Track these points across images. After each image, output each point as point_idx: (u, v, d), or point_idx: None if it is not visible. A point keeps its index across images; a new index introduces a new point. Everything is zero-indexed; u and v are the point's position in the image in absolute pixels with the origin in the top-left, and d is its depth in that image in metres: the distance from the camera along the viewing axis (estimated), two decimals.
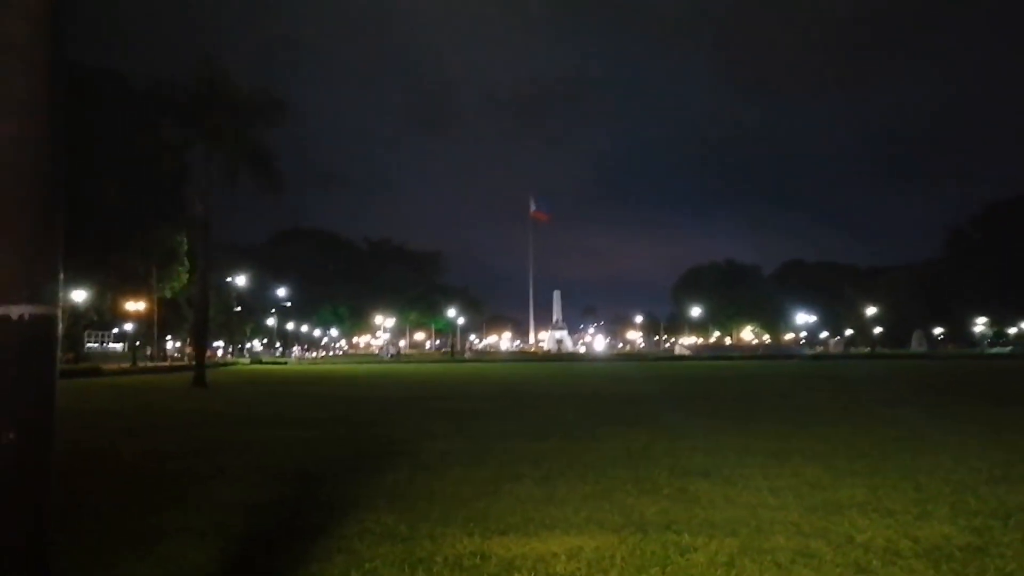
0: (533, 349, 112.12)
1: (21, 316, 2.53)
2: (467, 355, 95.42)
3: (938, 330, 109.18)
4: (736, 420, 12.45)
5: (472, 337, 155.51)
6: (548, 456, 8.40)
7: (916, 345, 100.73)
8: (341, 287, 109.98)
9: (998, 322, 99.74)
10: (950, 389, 22.10)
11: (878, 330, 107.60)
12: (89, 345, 65.83)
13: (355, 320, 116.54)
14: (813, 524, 5.19)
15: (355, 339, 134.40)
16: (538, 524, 5.28)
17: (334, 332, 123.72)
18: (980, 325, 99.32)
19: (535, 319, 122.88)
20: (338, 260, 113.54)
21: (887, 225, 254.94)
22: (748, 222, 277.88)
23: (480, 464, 7.89)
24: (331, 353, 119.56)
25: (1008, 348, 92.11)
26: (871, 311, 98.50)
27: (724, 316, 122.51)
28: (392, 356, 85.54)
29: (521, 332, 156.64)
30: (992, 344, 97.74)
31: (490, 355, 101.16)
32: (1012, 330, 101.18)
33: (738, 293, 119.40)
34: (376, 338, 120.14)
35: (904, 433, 10.29)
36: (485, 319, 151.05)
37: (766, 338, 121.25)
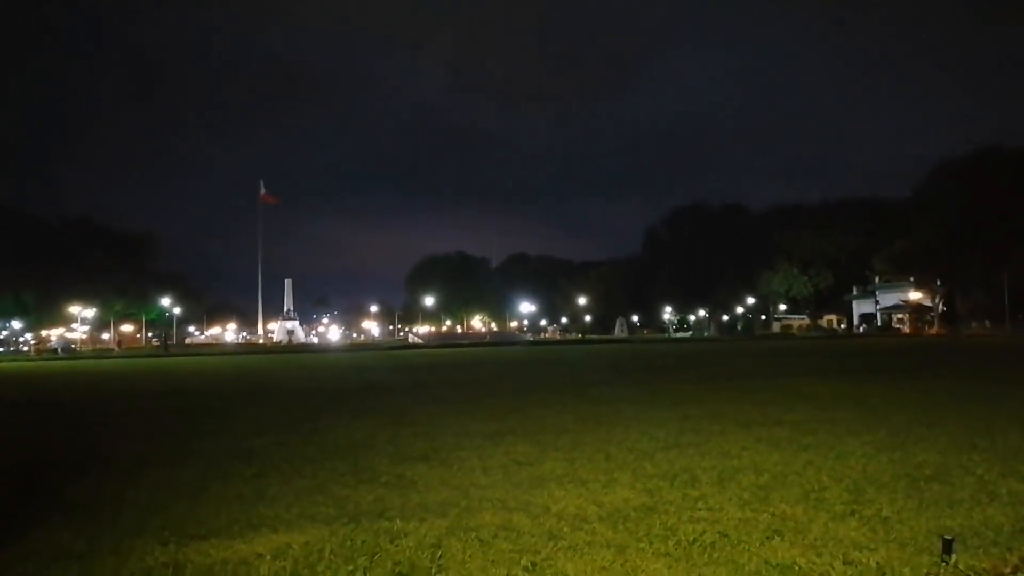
0: (262, 340, 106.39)
1: None
2: (180, 347, 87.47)
3: (635, 317, 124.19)
4: (458, 404, 12.91)
5: (191, 328, 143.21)
6: (263, 452, 7.97)
7: (619, 331, 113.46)
8: (27, 272, 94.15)
9: (681, 310, 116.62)
10: (643, 368, 25.17)
11: (588, 318, 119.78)
12: None
13: (45, 310, 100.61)
14: (517, 499, 5.54)
15: (46, 332, 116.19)
16: (244, 525, 4.97)
17: (16, 324, 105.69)
18: (667, 313, 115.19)
19: (264, 310, 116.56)
20: (22, 240, 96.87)
21: (598, 224, 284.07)
22: (480, 216, 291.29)
23: (184, 466, 7.24)
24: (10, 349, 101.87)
25: (688, 332, 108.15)
26: (583, 301, 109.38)
27: (456, 305, 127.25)
28: (64, 350, 74.47)
29: (249, 323, 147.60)
30: (677, 329, 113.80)
31: (212, 347, 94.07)
32: (692, 317, 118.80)
33: (469, 284, 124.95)
34: (72, 331, 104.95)
35: (605, 410, 11.46)
36: (206, 309, 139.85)
37: (493, 326, 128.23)
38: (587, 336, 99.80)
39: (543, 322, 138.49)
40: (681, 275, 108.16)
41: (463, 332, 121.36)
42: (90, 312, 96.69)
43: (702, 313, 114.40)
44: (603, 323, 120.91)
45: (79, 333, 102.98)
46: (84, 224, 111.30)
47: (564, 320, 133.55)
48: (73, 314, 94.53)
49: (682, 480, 6.10)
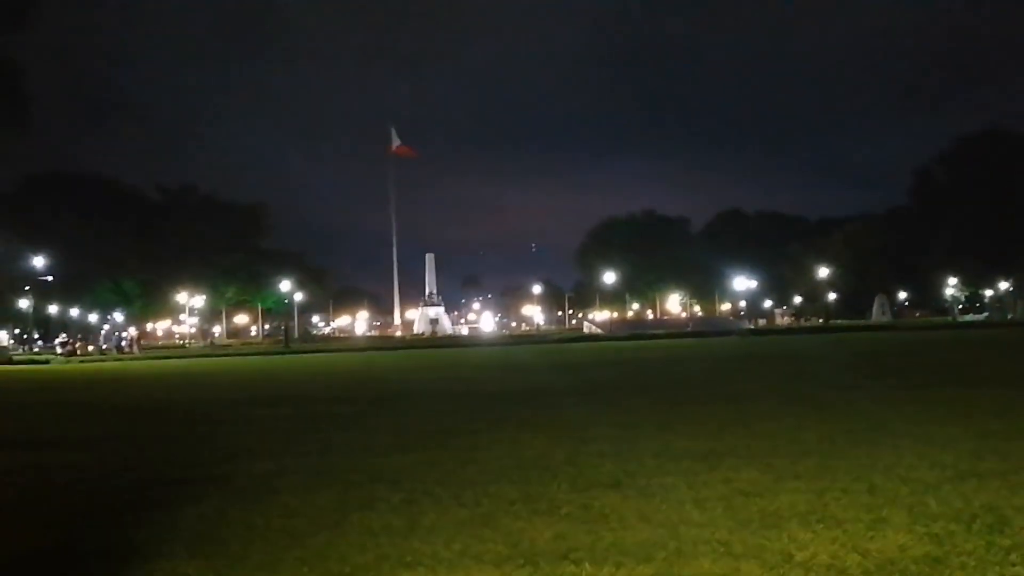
0: (399, 332, 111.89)
1: None
2: (304, 342, 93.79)
3: (902, 295, 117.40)
4: (657, 416, 12.88)
5: (316, 319, 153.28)
6: (412, 473, 8.41)
7: (878, 314, 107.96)
8: (126, 254, 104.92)
9: (971, 283, 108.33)
10: (916, 367, 23.80)
11: (832, 296, 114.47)
12: None
13: (148, 299, 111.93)
14: (746, 542, 5.46)
15: (150, 325, 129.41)
16: (395, 562, 5.29)
17: (119, 317, 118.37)
18: (951, 288, 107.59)
19: (401, 293, 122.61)
20: (120, 217, 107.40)
21: (843, 167, 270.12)
22: (671, 165, 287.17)
23: (318, 488, 7.80)
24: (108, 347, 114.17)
25: (983, 314, 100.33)
26: (823, 272, 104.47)
27: (644, 283, 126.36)
28: (121, 348, 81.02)
29: (383, 310, 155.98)
30: (965, 309, 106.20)
31: (341, 341, 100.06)
32: (988, 293, 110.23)
33: (661, 254, 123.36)
34: (180, 323, 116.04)
35: (859, 424, 10.99)
36: (332, 294, 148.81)
37: (697, 310, 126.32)
38: (831, 321, 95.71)
39: (767, 303, 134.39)
40: (970, 233, 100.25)
41: (655, 318, 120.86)
42: (199, 300, 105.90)
43: (1004, 287, 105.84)
44: (854, 303, 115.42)
45: (187, 326, 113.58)
46: (187, 194, 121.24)
47: (797, 300, 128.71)
48: (180, 304, 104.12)
49: (984, 523, 5.74)
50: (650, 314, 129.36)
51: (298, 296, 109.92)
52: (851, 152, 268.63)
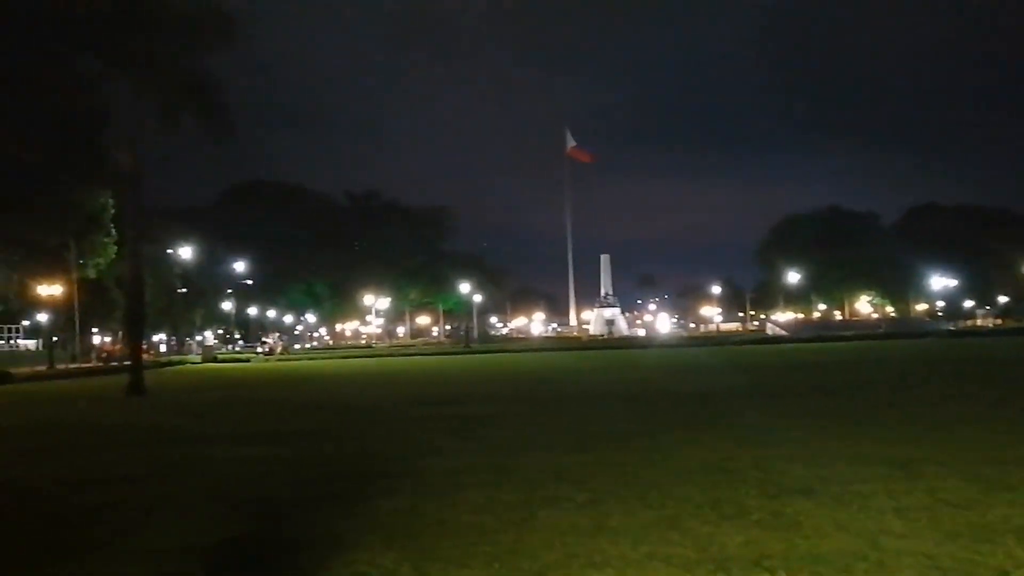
0: (575, 333, 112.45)
1: None
2: (483, 342, 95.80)
3: None
4: (849, 420, 12.39)
5: (493, 319, 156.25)
6: (595, 473, 8.43)
7: None
8: (317, 258, 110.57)
9: None
10: None
11: None
12: None
13: (337, 301, 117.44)
14: (955, 556, 5.15)
15: (339, 326, 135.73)
16: (584, 562, 5.31)
17: (311, 317, 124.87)
18: None
19: (576, 293, 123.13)
20: (312, 222, 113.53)
21: None
22: (858, 159, 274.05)
23: (504, 485, 7.94)
24: (307, 345, 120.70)
25: None
26: None
27: (830, 282, 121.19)
28: (272, 352, 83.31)
29: (559, 311, 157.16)
30: None
31: (518, 342, 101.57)
32: None
33: (848, 251, 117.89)
34: (367, 324, 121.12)
35: None
36: (509, 295, 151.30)
37: (890, 310, 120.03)
38: None
39: (968, 303, 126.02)
40: None
41: (843, 320, 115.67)
42: (384, 302, 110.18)
43: None
44: None
45: (373, 326, 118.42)
46: (373, 199, 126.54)
47: (1003, 299, 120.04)
48: (366, 305, 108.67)
49: None
50: (838, 315, 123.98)
51: (477, 297, 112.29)
52: None
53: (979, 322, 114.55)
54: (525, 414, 15.49)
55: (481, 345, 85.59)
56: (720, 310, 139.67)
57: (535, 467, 8.95)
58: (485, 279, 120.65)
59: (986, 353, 35.94)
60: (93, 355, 65.66)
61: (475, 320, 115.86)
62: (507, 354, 62.34)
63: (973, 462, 8.30)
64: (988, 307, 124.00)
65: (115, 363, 53.53)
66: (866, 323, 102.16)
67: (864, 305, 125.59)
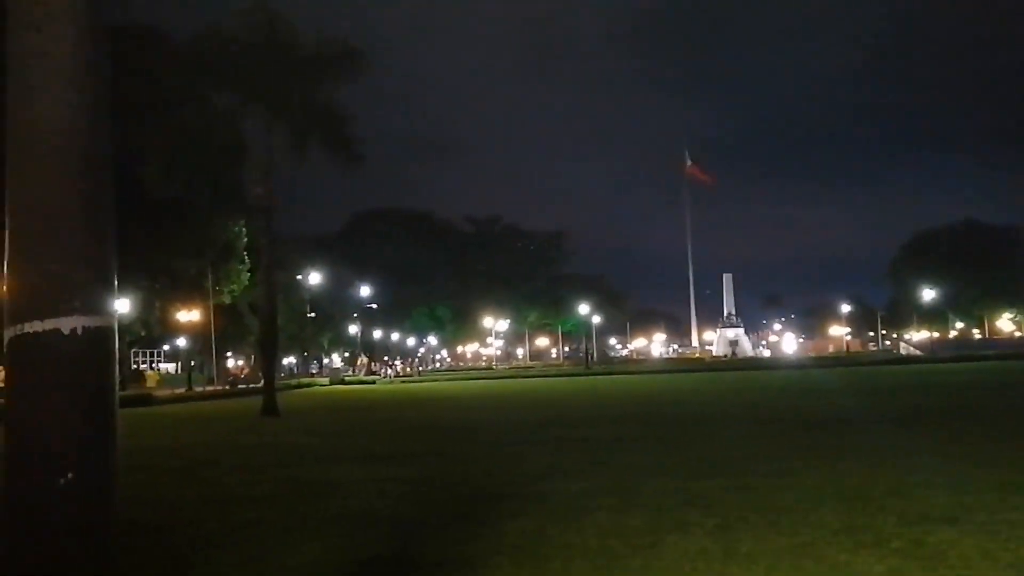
0: (698, 354, 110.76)
1: (74, 330, 2.72)
2: (603, 363, 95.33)
3: None
4: (993, 446, 11.81)
5: (613, 341, 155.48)
6: (723, 498, 8.28)
7: None
8: (440, 282, 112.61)
9: None
10: None
11: None
12: (138, 366, 71.07)
13: (459, 324, 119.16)
14: None
15: (460, 348, 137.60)
16: None
17: (433, 340, 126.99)
18: None
19: (698, 314, 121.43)
20: (434, 247, 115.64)
21: None
22: (988, 169, 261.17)
23: (630, 509, 7.88)
24: (429, 367, 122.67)
25: None
26: None
27: (968, 300, 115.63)
28: (392, 376, 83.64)
29: (680, 332, 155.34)
30: None
31: (638, 363, 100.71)
32: None
33: (988, 266, 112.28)
34: (487, 345, 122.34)
35: None
36: (629, 317, 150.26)
37: None
38: None
39: None
40: None
41: (985, 339, 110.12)
42: (504, 324, 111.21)
43: None
44: None
45: (492, 348, 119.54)
46: (494, 224, 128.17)
47: None
48: (486, 328, 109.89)
49: None
50: (977, 334, 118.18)
51: (596, 319, 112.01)
52: None
53: None
54: (647, 437, 15.34)
55: (601, 367, 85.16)
56: (849, 330, 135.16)
57: (661, 491, 8.85)
58: (604, 300, 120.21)
59: None
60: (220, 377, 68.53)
61: (594, 341, 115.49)
62: (627, 375, 61.86)
63: None
64: None
65: (241, 385, 55.83)
66: (1009, 342, 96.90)
67: (1006, 323, 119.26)
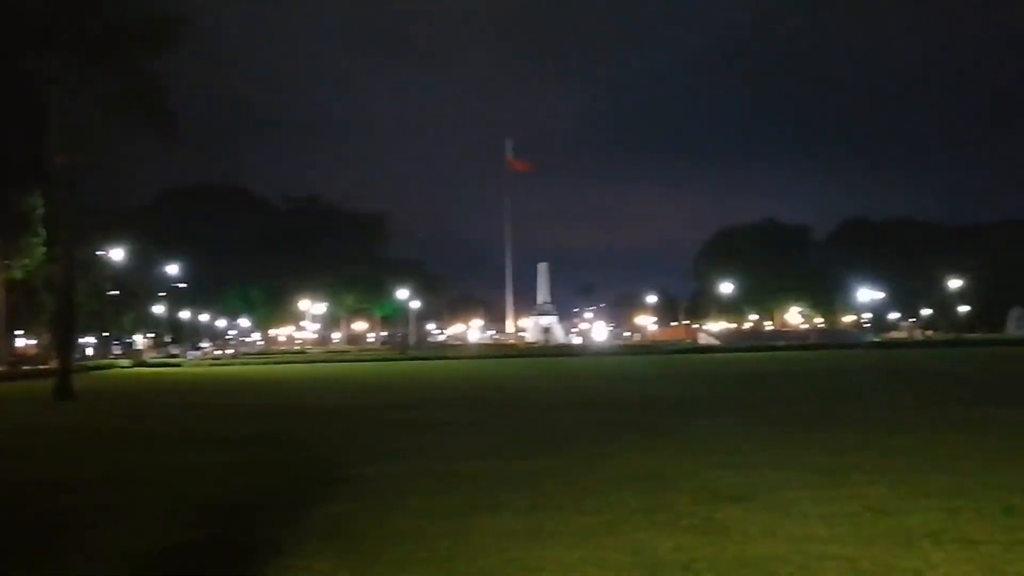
0: (512, 340, 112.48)
1: None
2: (420, 348, 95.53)
3: None
4: (779, 430, 12.73)
5: (431, 326, 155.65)
6: (534, 480, 8.58)
7: (1014, 328, 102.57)
8: (253, 263, 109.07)
9: None
10: None
11: (964, 308, 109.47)
12: None
13: (273, 306, 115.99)
14: (875, 559, 5.39)
15: (273, 331, 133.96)
16: (521, 566, 5.44)
17: (245, 322, 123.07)
18: None
19: (514, 301, 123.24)
20: (249, 226, 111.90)
21: (981, 175, 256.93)
22: (793, 173, 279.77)
23: (445, 491, 8.05)
24: (235, 351, 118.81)
25: None
26: (955, 284, 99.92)
27: (763, 293, 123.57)
28: (200, 358, 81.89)
29: (496, 318, 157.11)
30: None
31: (456, 349, 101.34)
32: None
33: (781, 263, 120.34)
34: (302, 329, 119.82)
35: (996, 441, 10.60)
36: (447, 302, 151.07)
37: (818, 321, 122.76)
38: (962, 336, 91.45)
39: (893, 315, 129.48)
40: None
41: (775, 330, 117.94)
42: (321, 307, 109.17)
43: None
44: (990, 317, 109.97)
45: (309, 331, 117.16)
46: (311, 204, 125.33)
47: (925, 312, 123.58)
48: (301, 310, 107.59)
49: None
50: (768, 324, 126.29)
51: (415, 304, 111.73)
52: (988, 159, 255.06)
53: (903, 333, 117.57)
54: (465, 422, 15.56)
55: (418, 352, 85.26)
56: (655, 319, 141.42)
57: (476, 474, 9.07)
58: (423, 286, 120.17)
59: (909, 364, 37.04)
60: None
61: (412, 326, 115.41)
62: (445, 361, 62.22)
63: (897, 470, 8.64)
64: (913, 319, 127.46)
65: (27, 367, 52.38)
66: (795, 333, 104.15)
67: (794, 316, 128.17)
